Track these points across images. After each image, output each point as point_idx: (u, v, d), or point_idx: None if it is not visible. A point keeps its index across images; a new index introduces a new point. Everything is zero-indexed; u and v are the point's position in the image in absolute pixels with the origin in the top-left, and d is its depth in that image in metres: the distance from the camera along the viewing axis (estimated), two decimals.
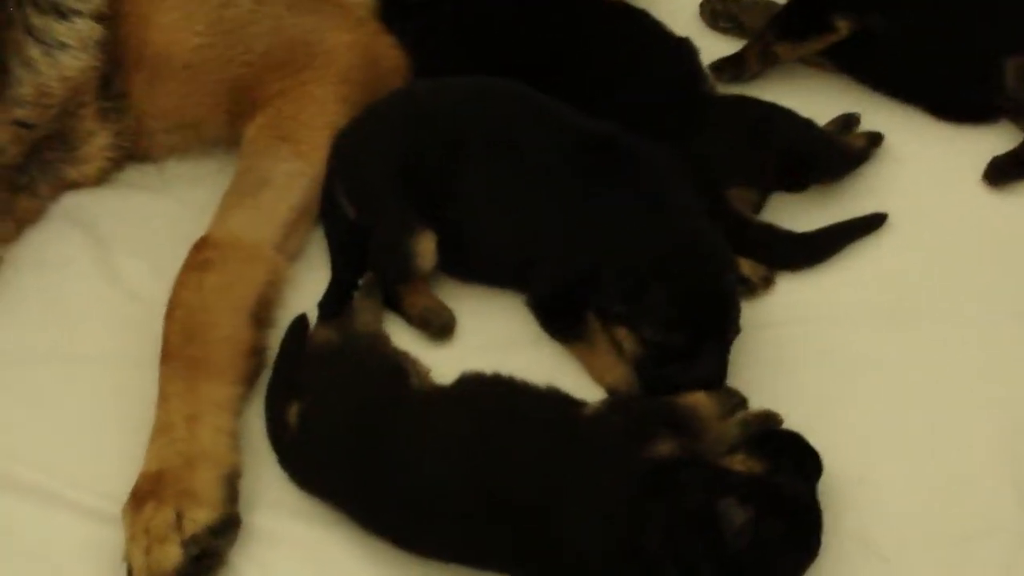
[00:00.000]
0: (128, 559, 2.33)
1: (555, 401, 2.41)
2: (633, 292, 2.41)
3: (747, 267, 2.59)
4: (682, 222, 2.48)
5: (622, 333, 2.45)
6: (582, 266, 2.48)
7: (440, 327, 2.58)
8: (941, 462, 2.43)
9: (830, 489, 2.30)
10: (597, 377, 2.51)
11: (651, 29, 2.84)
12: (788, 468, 2.29)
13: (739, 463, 2.29)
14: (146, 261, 2.69)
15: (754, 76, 2.89)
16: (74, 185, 2.80)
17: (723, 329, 2.41)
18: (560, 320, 2.54)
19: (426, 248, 2.57)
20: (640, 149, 2.55)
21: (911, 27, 2.80)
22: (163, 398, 2.46)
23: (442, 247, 2.58)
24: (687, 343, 2.40)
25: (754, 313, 2.56)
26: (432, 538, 2.33)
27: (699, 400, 2.37)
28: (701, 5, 3.00)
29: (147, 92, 2.75)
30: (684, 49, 2.82)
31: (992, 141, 2.76)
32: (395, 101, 2.73)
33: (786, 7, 2.90)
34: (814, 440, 2.31)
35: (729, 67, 2.88)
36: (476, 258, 2.62)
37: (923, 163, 2.75)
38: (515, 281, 2.60)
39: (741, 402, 2.40)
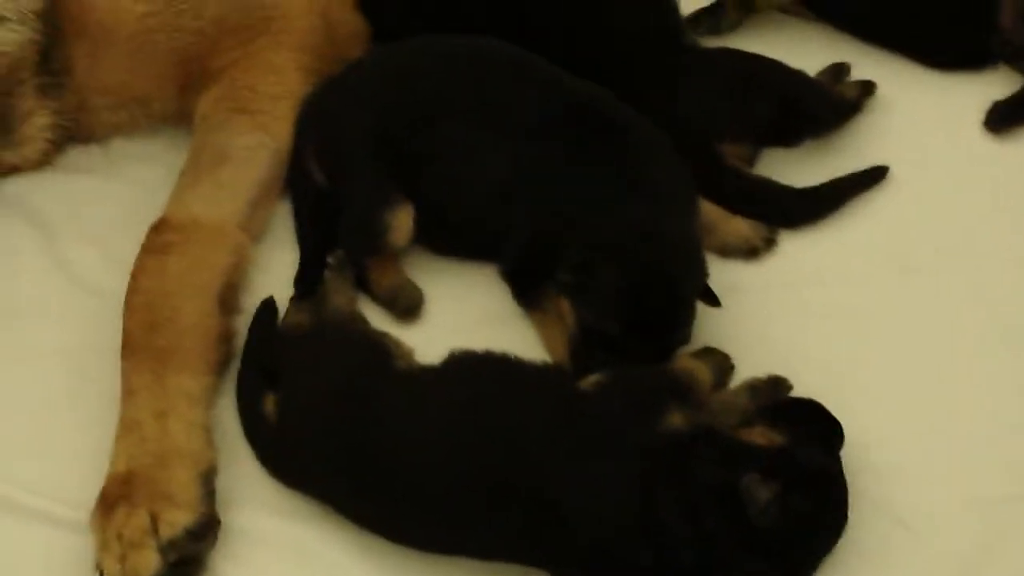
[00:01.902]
0: (101, 569, 2.26)
1: (553, 377, 2.38)
2: (583, 268, 2.39)
3: (747, 227, 2.58)
4: (658, 216, 2.45)
5: (565, 306, 2.42)
6: (553, 236, 2.45)
7: (407, 307, 2.54)
8: (962, 421, 2.40)
9: (848, 454, 2.25)
10: (548, 348, 2.48)
11: None
12: (810, 439, 2.24)
13: (759, 436, 2.23)
14: (97, 248, 2.64)
15: (732, 27, 2.88)
16: (13, 170, 2.75)
17: (662, 335, 2.38)
18: (527, 288, 2.52)
19: (402, 222, 2.53)
20: (639, 129, 2.53)
21: None
22: (128, 393, 2.39)
23: (416, 219, 2.56)
24: (620, 336, 2.36)
25: (756, 275, 2.56)
26: (429, 529, 2.27)
27: (693, 366, 2.36)
28: None
29: (90, 66, 2.70)
30: (664, 1, 2.81)
31: (990, 86, 2.76)
32: (371, 63, 2.72)
33: None
34: (827, 404, 2.28)
35: (706, 17, 2.88)
36: (451, 229, 2.58)
37: (919, 112, 2.75)
38: (490, 253, 2.56)
39: (729, 364, 2.38)
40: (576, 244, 2.41)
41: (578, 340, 2.39)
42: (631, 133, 2.53)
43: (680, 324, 2.38)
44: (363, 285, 2.55)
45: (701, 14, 2.87)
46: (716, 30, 2.87)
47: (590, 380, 2.31)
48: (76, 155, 2.78)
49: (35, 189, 2.73)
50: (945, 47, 2.80)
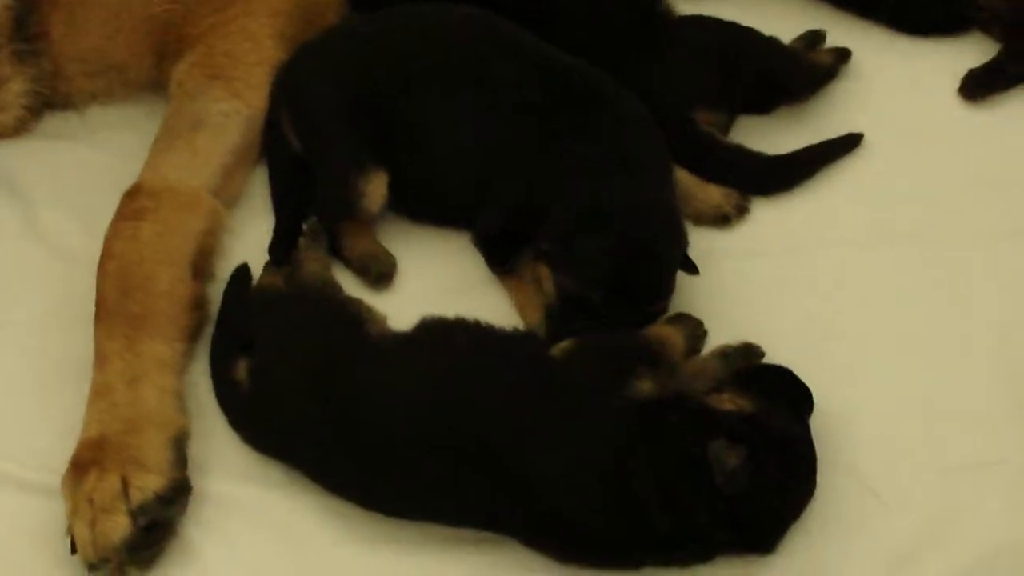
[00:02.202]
0: (72, 533, 2.27)
1: (524, 342, 2.38)
2: (566, 236, 2.40)
3: (720, 195, 2.58)
4: (643, 187, 2.46)
5: (544, 272, 2.43)
6: (532, 205, 2.46)
7: (379, 274, 2.55)
8: (933, 390, 2.40)
9: (819, 423, 2.25)
10: (521, 314, 2.49)
11: None
12: (779, 405, 2.24)
13: (728, 402, 2.24)
14: (72, 214, 2.64)
15: None
16: None
17: (644, 303, 2.39)
18: (501, 254, 2.52)
19: (376, 188, 2.53)
20: (621, 102, 2.53)
21: None
22: (101, 359, 2.40)
23: (393, 185, 2.56)
24: (600, 303, 2.37)
25: (729, 243, 2.56)
26: (401, 495, 2.28)
27: (667, 331, 2.37)
28: None
29: (65, 32, 2.69)
30: None
31: (965, 53, 2.76)
32: (348, 29, 2.72)
33: None
34: (800, 373, 2.28)
35: None
36: (426, 196, 2.59)
37: (894, 79, 2.75)
38: (465, 220, 2.57)
39: (703, 331, 2.40)
40: (560, 213, 2.41)
41: (555, 307, 2.40)
42: (612, 105, 2.52)
43: (663, 293, 2.39)
44: (336, 252, 2.55)
45: None
46: None
47: (561, 346, 2.31)
48: (53, 122, 2.77)
49: (11, 155, 2.73)
50: (919, 13, 2.78)
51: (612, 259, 2.36)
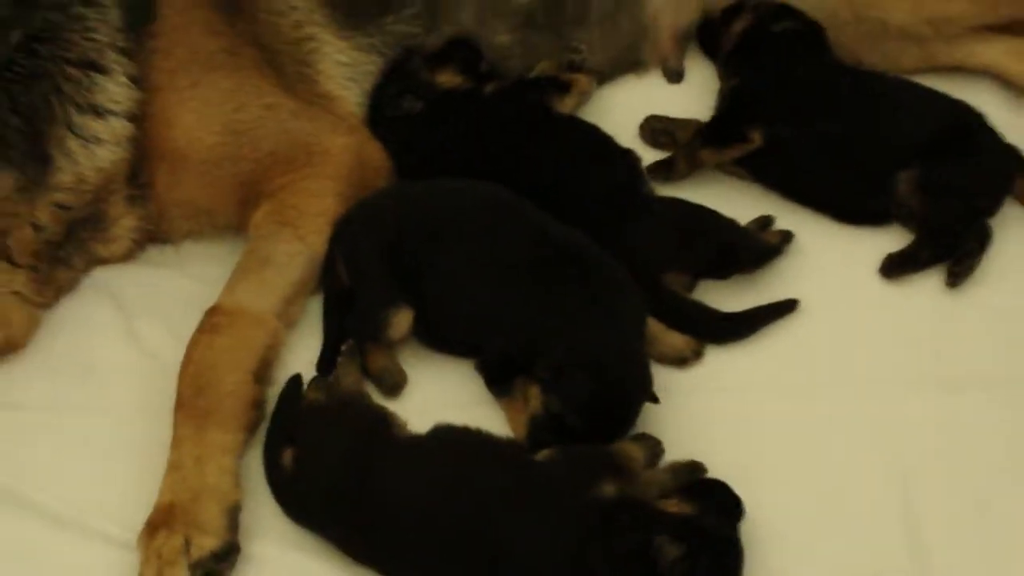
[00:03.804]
0: None
1: (512, 449, 2.41)
2: (558, 372, 2.42)
3: (681, 341, 2.60)
4: (620, 337, 2.49)
5: (534, 392, 2.45)
6: (531, 345, 2.49)
7: (392, 385, 2.57)
8: (842, 510, 2.43)
9: (746, 528, 2.29)
10: (511, 425, 2.50)
11: (602, 140, 2.84)
12: (715, 511, 2.28)
13: (673, 506, 2.28)
14: (163, 326, 2.67)
15: (683, 177, 2.87)
16: (104, 261, 2.77)
17: (614, 428, 2.41)
18: (499, 381, 2.53)
19: (401, 321, 2.57)
20: (608, 268, 2.56)
21: (815, 142, 2.80)
22: (175, 442, 2.45)
23: (417, 320, 2.58)
24: (578, 426, 2.40)
25: (686, 380, 2.58)
26: (408, 565, 2.32)
27: (630, 448, 2.38)
28: (641, 125, 2.98)
29: (169, 183, 2.72)
30: (629, 158, 2.82)
31: (886, 240, 2.75)
32: (392, 193, 2.75)
33: (711, 120, 2.90)
34: (735, 486, 2.32)
35: (662, 168, 2.86)
36: (443, 331, 2.61)
37: (828, 258, 2.74)
38: (472, 352, 2.59)
39: (660, 449, 2.40)
40: (554, 352, 2.43)
41: (539, 422, 2.43)
42: (598, 266, 2.55)
43: (629, 422, 2.43)
44: (362, 363, 2.56)
45: (659, 165, 2.85)
46: (669, 178, 2.84)
47: (543, 453, 2.35)
48: (154, 252, 2.80)
49: (119, 277, 2.76)
50: (852, 206, 2.78)
51: (591, 395, 2.40)
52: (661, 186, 2.85)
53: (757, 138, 2.81)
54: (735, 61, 2.95)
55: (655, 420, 2.47)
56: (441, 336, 2.61)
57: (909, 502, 2.43)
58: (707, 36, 3.06)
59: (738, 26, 2.96)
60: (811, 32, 2.93)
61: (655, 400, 2.47)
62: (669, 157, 2.89)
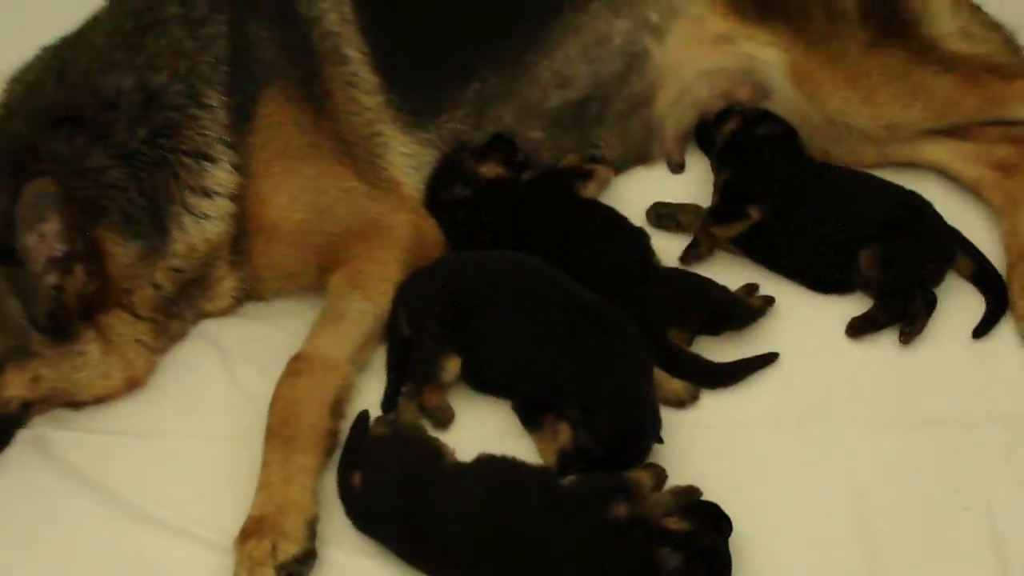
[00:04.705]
0: None
1: (542, 475, 2.40)
2: (584, 411, 2.42)
3: (680, 386, 2.59)
4: (638, 389, 2.48)
5: (563, 428, 2.43)
6: (559, 389, 2.48)
7: (442, 420, 2.55)
8: (811, 526, 2.41)
9: (733, 541, 2.28)
10: (543, 457, 2.47)
11: (618, 220, 2.84)
12: (708, 527, 2.28)
13: (674, 523, 2.28)
14: (256, 369, 2.66)
15: (707, 254, 2.84)
16: (209, 314, 2.77)
17: (625, 462, 2.39)
18: (532, 418, 2.52)
19: (451, 367, 2.56)
20: (622, 326, 2.53)
21: (792, 225, 2.78)
22: (265, 464, 2.45)
23: (465, 367, 2.57)
24: (601, 457, 2.39)
25: (685, 419, 2.56)
26: (456, 569, 2.32)
27: (640, 474, 2.37)
28: (648, 209, 2.93)
29: (263, 251, 2.73)
30: (641, 235, 2.81)
31: (850, 305, 2.73)
32: (445, 263, 2.75)
33: (715, 205, 2.89)
34: (726, 508, 2.31)
35: (691, 250, 2.84)
36: (485, 376, 2.59)
37: (802, 319, 2.73)
38: (508, 394, 2.58)
39: (664, 476, 2.38)
40: (580, 396, 2.43)
41: (567, 453, 2.41)
42: (616, 325, 2.53)
43: (643, 454, 2.43)
44: (420, 404, 2.56)
45: (689, 249, 2.81)
46: (700, 257, 2.81)
47: (568, 479, 2.34)
48: (250, 307, 2.79)
49: (221, 328, 2.75)
50: (822, 278, 2.75)
51: (614, 433, 2.40)
52: (671, 257, 2.82)
53: (755, 214, 2.80)
54: (726, 157, 2.94)
55: (659, 451, 2.47)
56: (484, 380, 2.60)
57: (865, 519, 2.41)
58: (703, 136, 3.05)
59: (727, 128, 2.95)
60: (787, 134, 2.92)
61: (660, 441, 2.46)
62: (693, 240, 2.85)
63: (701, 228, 2.85)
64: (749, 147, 2.89)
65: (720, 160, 2.96)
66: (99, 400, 2.59)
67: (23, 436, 2.55)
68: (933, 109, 2.87)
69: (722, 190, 2.90)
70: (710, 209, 2.88)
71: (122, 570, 2.38)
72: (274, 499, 2.38)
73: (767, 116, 2.94)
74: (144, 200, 2.58)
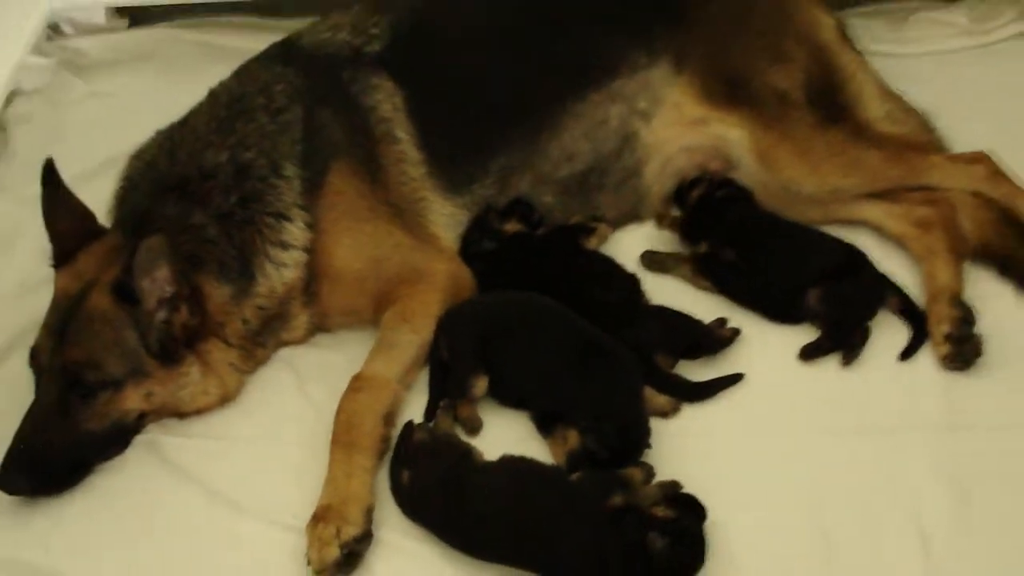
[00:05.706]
0: (308, 555, 2.32)
1: (555, 472, 2.40)
2: (590, 423, 2.41)
3: (664, 401, 2.56)
4: (633, 403, 2.47)
5: (572, 434, 2.41)
6: (567, 404, 2.47)
7: (472, 428, 2.52)
8: (775, 517, 2.38)
9: (709, 526, 2.28)
10: (555, 458, 2.45)
11: (615, 267, 2.81)
12: (688, 515, 2.28)
13: (660, 511, 2.27)
14: (325, 387, 2.62)
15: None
16: (287, 343, 2.74)
17: (627, 460, 2.38)
18: (545, 426, 2.49)
19: (480, 385, 2.55)
20: (619, 352, 2.52)
21: (753, 269, 2.75)
22: (331, 463, 2.43)
23: (492, 384, 2.55)
24: (604, 458, 2.37)
25: (669, 426, 2.54)
26: (487, 549, 2.31)
27: (633, 471, 2.36)
28: (641, 256, 2.88)
29: (330, 293, 2.71)
30: (633, 280, 2.78)
31: (802, 335, 2.68)
32: (474, 303, 2.73)
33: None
34: (702, 499, 2.31)
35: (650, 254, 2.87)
36: (508, 393, 2.57)
37: (763, 346, 2.68)
38: (526, 407, 2.56)
39: (652, 472, 2.38)
40: (585, 410, 2.42)
41: (575, 454, 2.40)
42: (613, 353, 2.51)
43: (637, 456, 2.42)
44: (454, 415, 2.53)
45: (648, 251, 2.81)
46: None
47: (575, 475, 2.35)
48: (320, 337, 2.76)
49: (295, 354, 2.73)
50: (779, 312, 2.71)
51: (615, 441, 2.39)
52: (658, 295, 2.77)
53: (703, 247, 2.82)
54: (695, 215, 2.93)
55: (649, 453, 2.46)
56: (507, 396, 2.57)
57: (817, 509, 2.38)
58: (679, 198, 3.01)
59: (695, 192, 2.92)
60: (744, 196, 2.90)
61: (649, 446, 2.45)
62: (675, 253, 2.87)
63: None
64: (712, 206, 2.89)
65: (691, 217, 2.95)
66: (199, 412, 2.59)
67: (139, 440, 2.56)
68: (867, 178, 2.86)
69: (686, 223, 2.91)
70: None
71: (218, 547, 2.38)
72: (338, 491, 2.37)
73: (728, 182, 2.90)
74: (235, 252, 2.60)
